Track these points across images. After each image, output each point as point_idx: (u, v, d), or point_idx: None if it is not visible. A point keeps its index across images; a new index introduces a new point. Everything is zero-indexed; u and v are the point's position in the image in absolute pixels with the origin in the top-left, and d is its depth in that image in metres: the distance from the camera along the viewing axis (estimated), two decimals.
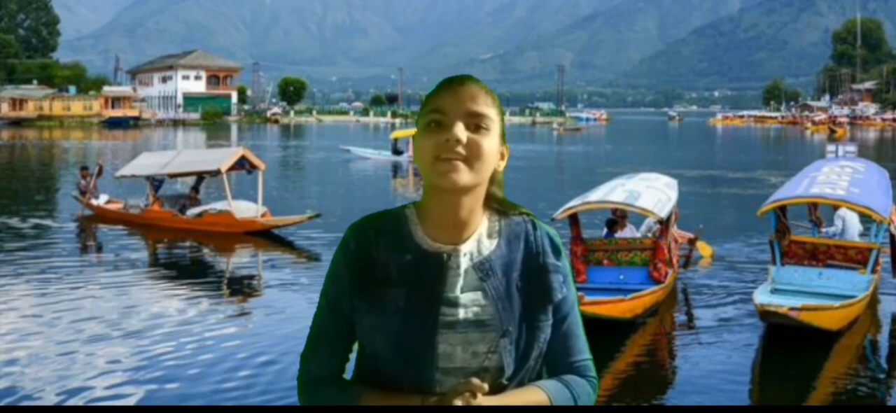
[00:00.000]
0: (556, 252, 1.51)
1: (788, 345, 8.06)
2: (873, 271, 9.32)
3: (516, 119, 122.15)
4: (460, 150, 1.39)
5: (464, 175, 1.40)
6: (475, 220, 1.47)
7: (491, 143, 1.43)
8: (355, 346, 1.53)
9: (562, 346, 1.52)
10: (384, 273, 1.45)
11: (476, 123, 1.41)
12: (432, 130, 1.42)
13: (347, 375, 1.54)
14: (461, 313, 1.43)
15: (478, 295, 1.44)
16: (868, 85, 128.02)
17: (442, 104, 1.42)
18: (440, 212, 1.45)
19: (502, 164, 1.50)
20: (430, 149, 1.41)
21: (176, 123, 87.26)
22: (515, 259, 1.48)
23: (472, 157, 1.40)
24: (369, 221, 1.50)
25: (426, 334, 1.43)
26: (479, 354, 1.43)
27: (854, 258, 9.36)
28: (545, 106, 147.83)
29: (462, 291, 1.44)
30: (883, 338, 9.20)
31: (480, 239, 1.48)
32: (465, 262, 1.46)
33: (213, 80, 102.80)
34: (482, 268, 1.46)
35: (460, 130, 1.39)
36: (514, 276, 1.47)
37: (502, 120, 1.48)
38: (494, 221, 1.51)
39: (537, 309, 1.47)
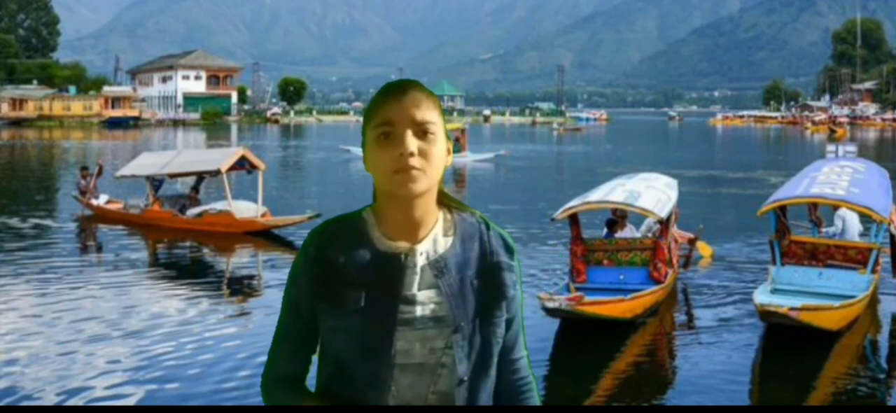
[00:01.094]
0: (509, 252, 1.58)
1: (788, 345, 8.06)
2: (873, 271, 9.31)
3: (516, 119, 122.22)
4: (414, 160, 1.45)
5: (420, 184, 1.47)
6: (430, 219, 1.54)
7: (439, 148, 1.50)
8: (318, 348, 1.58)
9: (505, 345, 1.59)
10: (343, 274, 1.50)
11: (423, 130, 1.47)
12: (383, 143, 1.48)
13: (311, 377, 1.60)
14: (418, 310, 1.49)
15: (433, 292, 1.50)
16: (868, 85, 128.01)
17: (389, 116, 1.48)
18: (396, 215, 1.52)
19: (449, 159, 1.55)
20: (385, 162, 1.47)
21: (176, 123, 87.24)
22: (470, 258, 1.54)
23: (425, 164, 1.47)
24: (328, 226, 1.56)
25: (385, 332, 1.48)
26: (437, 350, 1.49)
27: (854, 258, 9.36)
28: (545, 106, 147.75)
29: (419, 289, 1.50)
30: (883, 338, 9.20)
31: (436, 238, 1.54)
32: (421, 261, 1.51)
33: (213, 80, 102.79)
34: (437, 265, 1.51)
35: (411, 142, 1.46)
36: (468, 273, 1.53)
37: (444, 120, 1.54)
38: (449, 220, 1.57)
39: (491, 305, 1.53)
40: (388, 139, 1.47)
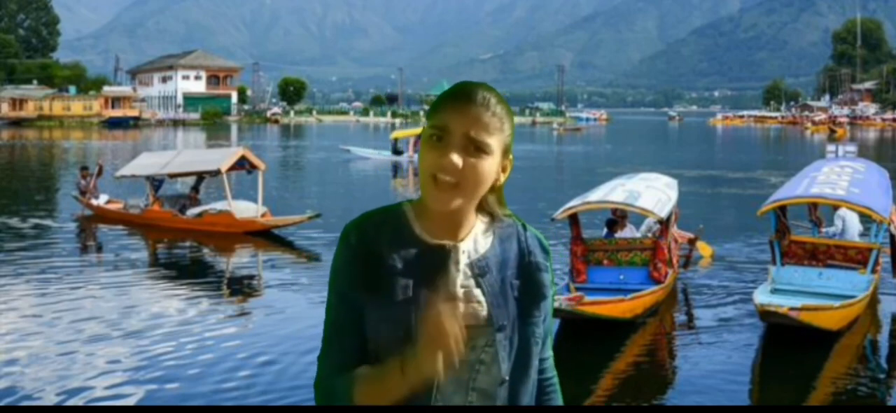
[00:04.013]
0: (545, 253, 1.59)
1: (788, 345, 8.06)
2: (873, 271, 9.31)
3: (516, 119, 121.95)
4: (455, 175, 1.43)
5: (455, 201, 1.45)
6: (469, 221, 1.53)
7: (488, 166, 1.46)
8: None
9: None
10: (388, 265, 1.48)
11: (475, 146, 1.44)
12: (433, 144, 1.45)
13: None
14: (461, 308, 1.47)
15: (476, 292, 1.50)
16: (868, 85, 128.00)
17: (445, 123, 1.44)
18: (436, 213, 1.50)
19: (503, 177, 1.53)
20: (429, 165, 1.44)
21: (176, 123, 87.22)
22: (508, 258, 1.54)
23: (467, 181, 1.44)
24: (368, 217, 1.53)
25: None
26: (477, 348, 1.49)
27: (854, 258, 9.35)
28: (545, 106, 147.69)
29: (461, 287, 1.50)
30: (883, 338, 9.20)
31: (476, 238, 1.54)
32: (463, 259, 1.51)
33: (213, 80, 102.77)
34: (479, 265, 1.51)
35: (457, 157, 1.43)
36: (508, 274, 1.53)
37: (512, 131, 1.50)
38: (487, 221, 1.57)
39: (530, 306, 1.54)
40: (439, 142, 1.45)
